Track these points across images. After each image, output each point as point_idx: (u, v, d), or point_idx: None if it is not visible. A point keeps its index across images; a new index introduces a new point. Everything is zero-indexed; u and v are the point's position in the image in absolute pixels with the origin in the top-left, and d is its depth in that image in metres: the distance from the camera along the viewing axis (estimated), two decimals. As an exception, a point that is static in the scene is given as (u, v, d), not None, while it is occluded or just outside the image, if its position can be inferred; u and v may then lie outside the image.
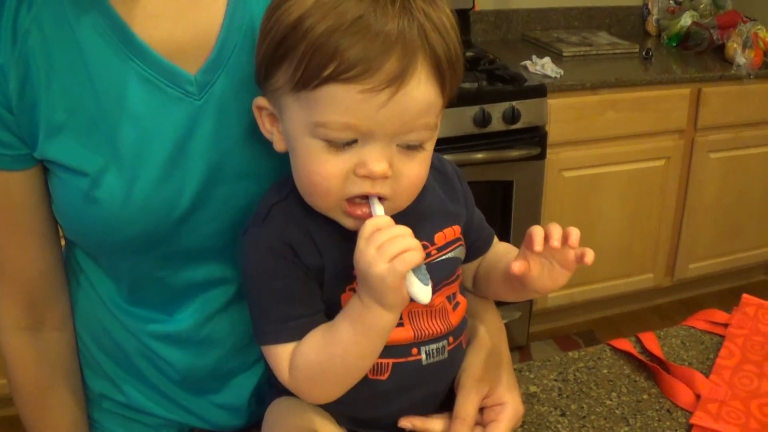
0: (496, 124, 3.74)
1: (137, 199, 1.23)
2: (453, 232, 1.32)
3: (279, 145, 1.19)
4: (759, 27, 4.46)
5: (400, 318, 1.21)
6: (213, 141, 1.26)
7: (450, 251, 1.30)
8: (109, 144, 1.21)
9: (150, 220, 1.25)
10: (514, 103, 3.75)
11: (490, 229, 1.46)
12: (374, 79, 1.03)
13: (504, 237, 3.96)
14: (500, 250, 1.46)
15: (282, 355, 1.19)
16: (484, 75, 3.83)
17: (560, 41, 4.63)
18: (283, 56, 1.08)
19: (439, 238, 1.29)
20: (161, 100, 1.23)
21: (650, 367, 1.68)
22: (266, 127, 1.19)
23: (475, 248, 1.43)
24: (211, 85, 1.25)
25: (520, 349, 4.40)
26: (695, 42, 4.68)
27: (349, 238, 1.13)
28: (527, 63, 4.14)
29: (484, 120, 3.68)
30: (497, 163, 3.82)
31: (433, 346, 1.28)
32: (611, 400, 1.60)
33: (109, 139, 1.21)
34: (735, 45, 4.41)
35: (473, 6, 4.46)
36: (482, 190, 3.91)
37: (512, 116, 3.75)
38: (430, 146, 1.16)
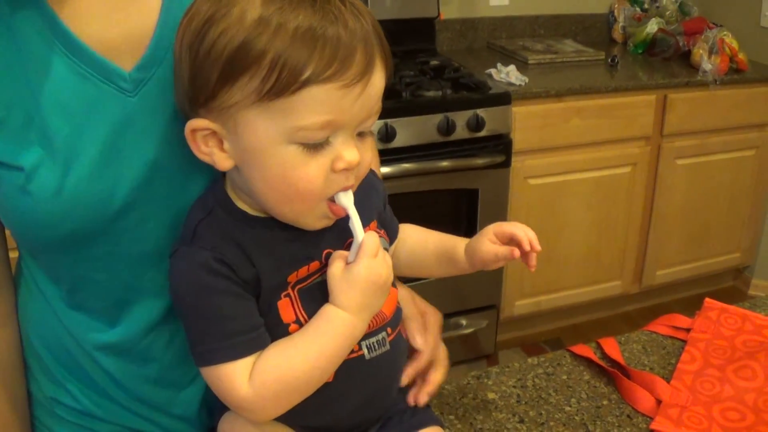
0: (461, 132, 3.74)
1: (69, 194, 1.20)
2: (373, 225, 1.34)
3: (223, 164, 1.16)
4: (725, 33, 4.49)
5: None
6: (148, 138, 1.24)
7: None
8: (44, 138, 1.19)
9: (83, 216, 1.22)
10: (478, 110, 3.75)
11: (397, 221, 1.50)
12: (349, 74, 1.07)
13: None
14: (413, 233, 1.51)
15: (233, 374, 1.15)
16: (448, 83, 3.83)
17: (525, 49, 4.63)
18: (237, 73, 1.07)
19: (372, 226, 1.33)
20: (95, 95, 1.21)
21: (610, 373, 1.66)
22: (202, 149, 1.16)
23: (388, 234, 1.44)
24: (145, 82, 1.23)
25: (487, 357, 4.39)
26: (661, 48, 4.69)
27: (280, 245, 1.18)
28: (492, 71, 4.13)
29: (448, 128, 3.68)
30: (462, 171, 3.82)
31: (373, 340, 1.27)
32: (570, 406, 1.58)
33: (44, 134, 1.19)
34: (701, 51, 4.42)
35: (438, 14, 4.46)
36: (447, 199, 3.92)
37: (477, 124, 3.75)
38: (371, 139, 1.26)
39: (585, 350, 1.73)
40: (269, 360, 1.15)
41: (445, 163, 3.73)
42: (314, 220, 1.17)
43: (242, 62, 1.06)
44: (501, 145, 3.88)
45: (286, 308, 1.19)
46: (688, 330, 1.82)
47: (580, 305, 4.72)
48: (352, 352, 1.23)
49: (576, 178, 4.28)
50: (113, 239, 1.26)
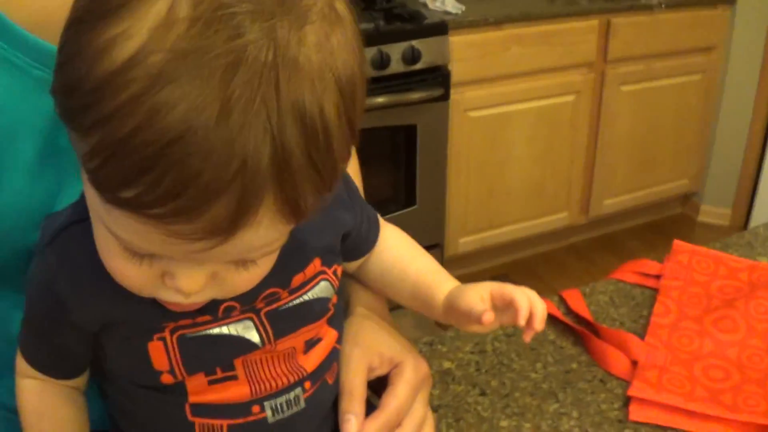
0: (396, 66, 3.67)
1: (4, 212, 1.01)
2: (313, 267, 1.07)
3: None
4: (668, -47, 4.43)
5: (233, 368, 1.00)
6: None
7: (306, 291, 1.06)
8: None
9: (23, 233, 1.03)
10: (413, 42, 3.68)
11: (377, 222, 1.22)
12: (187, 227, 0.71)
13: (409, 184, 4.01)
14: (394, 252, 1.24)
15: (20, 365, 1.04)
16: (380, 14, 3.75)
17: (460, -25, 4.47)
18: (74, 123, 0.73)
19: (298, 279, 1.04)
20: (25, 84, 0.98)
21: (578, 331, 1.51)
22: None
23: (359, 248, 1.22)
24: None
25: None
26: (602, -29, 4.59)
27: None
28: (426, 0, 4.00)
29: (382, 62, 3.61)
30: (398, 107, 3.75)
31: (281, 400, 1.04)
32: (536, 372, 1.43)
33: None
34: (644, -27, 4.37)
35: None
36: (384, 136, 3.86)
37: (412, 56, 3.68)
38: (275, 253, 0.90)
39: (547, 305, 1.56)
40: (29, 397, 1.05)
41: (380, 99, 3.65)
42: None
43: (73, 116, 0.72)
44: (439, 77, 3.82)
45: (159, 354, 0.95)
46: (657, 277, 1.67)
47: (526, 239, 4.69)
48: (250, 414, 1.02)
49: (518, 108, 4.22)
50: None
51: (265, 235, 0.75)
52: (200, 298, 0.86)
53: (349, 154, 0.77)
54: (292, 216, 0.74)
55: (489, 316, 1.01)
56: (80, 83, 0.69)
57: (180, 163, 0.66)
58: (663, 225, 5.05)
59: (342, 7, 0.74)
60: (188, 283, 0.81)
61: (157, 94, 0.65)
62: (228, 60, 0.65)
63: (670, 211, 5.24)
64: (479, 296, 1.04)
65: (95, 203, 0.77)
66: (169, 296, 0.84)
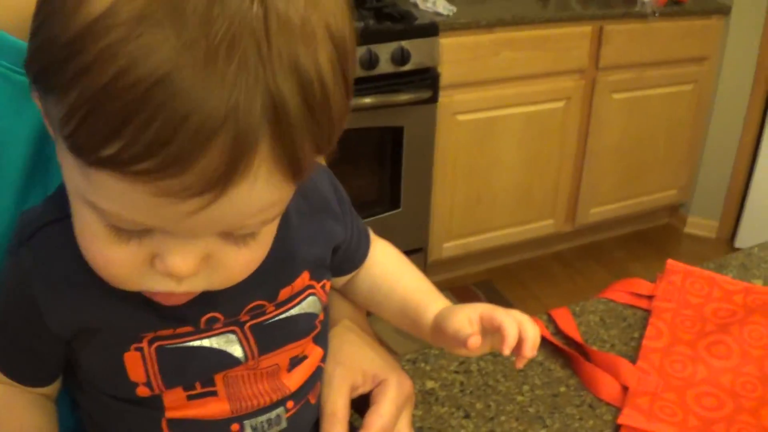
0: (385, 66, 3.65)
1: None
2: (302, 281, 1.02)
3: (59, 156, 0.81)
4: (664, -38, 4.44)
5: (213, 384, 0.95)
6: None
7: (293, 306, 1.01)
8: None
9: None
10: (403, 43, 3.66)
11: (368, 237, 1.19)
12: (176, 182, 0.66)
13: (394, 187, 3.99)
14: (384, 269, 1.20)
15: None
16: (370, 13, 3.74)
17: (452, -24, 4.45)
18: (51, 84, 0.69)
19: (285, 293, 1.00)
20: (9, 92, 0.92)
21: (567, 353, 1.47)
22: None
23: (349, 263, 1.18)
24: None
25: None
26: (596, -22, 4.61)
27: (138, 295, 0.85)
28: (417, 0, 3.99)
29: (371, 62, 3.59)
30: (386, 108, 3.74)
31: (262, 419, 1.00)
32: (523, 395, 1.39)
33: None
34: (640, -19, 4.38)
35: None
36: (370, 137, 3.83)
37: (401, 57, 3.66)
38: (273, 225, 0.84)
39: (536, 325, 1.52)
40: None
41: (367, 100, 3.62)
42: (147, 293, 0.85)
43: (51, 77, 0.68)
44: (428, 79, 3.80)
45: (135, 364, 0.91)
46: (650, 297, 1.63)
47: (511, 245, 4.68)
48: None
49: (507, 113, 4.21)
50: None
51: (262, 194, 0.71)
52: (193, 286, 0.81)
53: (347, 109, 0.74)
54: (290, 170, 0.70)
55: (475, 341, 0.98)
56: (58, 37, 0.66)
57: (166, 106, 0.62)
58: (649, 235, 5.06)
59: None
60: (180, 262, 0.75)
61: (140, 38, 0.62)
62: (212, 3, 0.63)
63: (657, 221, 5.25)
64: (467, 318, 1.01)
65: (75, 179, 0.73)
66: (158, 284, 0.79)
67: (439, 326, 1.05)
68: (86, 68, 0.63)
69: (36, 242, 0.89)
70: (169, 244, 0.74)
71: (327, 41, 0.69)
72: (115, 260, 0.76)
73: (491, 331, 0.99)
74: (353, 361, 1.14)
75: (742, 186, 4.90)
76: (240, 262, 0.81)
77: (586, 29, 4.18)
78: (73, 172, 0.72)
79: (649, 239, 4.98)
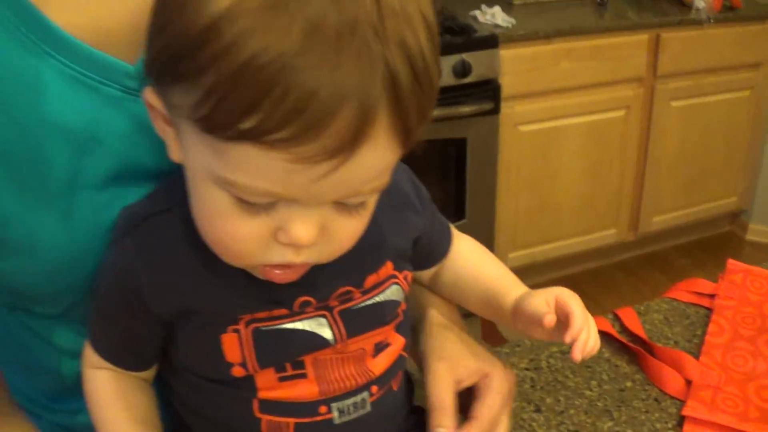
0: (447, 79, 3.60)
1: (79, 240, 1.00)
2: (386, 270, 1.08)
3: (174, 154, 0.90)
4: (718, -31, 4.37)
5: (303, 367, 1.01)
6: (161, 149, 0.95)
7: (378, 293, 1.07)
8: (35, 174, 0.95)
9: (88, 264, 1.03)
10: (464, 55, 3.63)
11: (450, 231, 1.25)
12: (311, 147, 0.74)
13: (459, 198, 3.95)
14: (467, 260, 1.26)
15: (87, 353, 1.06)
16: None
17: (510, -11, 4.46)
18: (183, 73, 0.77)
19: (371, 280, 1.06)
20: (95, 102, 0.97)
21: (632, 350, 1.51)
22: (159, 125, 0.90)
23: (432, 256, 1.24)
24: None
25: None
26: (652, -14, 4.57)
27: (238, 278, 0.95)
28: (476, 13, 4.00)
29: None
30: (449, 120, 3.71)
31: (348, 402, 1.05)
32: (591, 390, 1.44)
33: (33, 167, 0.95)
34: (694, -12, 4.32)
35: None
36: (434, 149, 3.81)
37: (463, 70, 3.64)
38: (375, 198, 0.92)
39: (603, 323, 1.57)
40: (104, 385, 1.06)
41: None
42: (258, 273, 0.93)
43: (183, 67, 0.76)
44: (489, 91, 3.78)
45: (232, 345, 0.97)
46: (711, 296, 1.67)
47: (575, 255, 4.65)
48: (317, 414, 1.03)
49: (568, 123, 4.18)
50: None
51: (380, 157, 0.80)
52: (309, 257, 0.88)
53: (439, 80, 0.83)
54: (402, 135, 0.80)
55: (550, 319, 1.01)
56: (189, 30, 0.75)
57: (299, 80, 0.71)
58: (712, 243, 4.99)
59: None
60: (302, 231, 0.83)
61: (271, 22, 0.71)
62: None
63: (719, 228, 5.18)
64: (545, 300, 1.05)
65: (205, 159, 0.81)
66: (279, 256, 0.87)
67: (518, 309, 1.09)
68: (223, 52, 0.72)
69: (140, 232, 0.96)
70: (293, 215, 0.82)
71: (422, 23, 0.79)
72: (242, 235, 0.84)
73: (562, 317, 1.03)
74: (456, 357, 1.18)
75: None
76: (348, 232, 0.89)
77: (642, 37, 4.15)
78: (202, 153, 0.80)
79: (712, 247, 4.93)
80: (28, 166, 0.94)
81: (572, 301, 1.03)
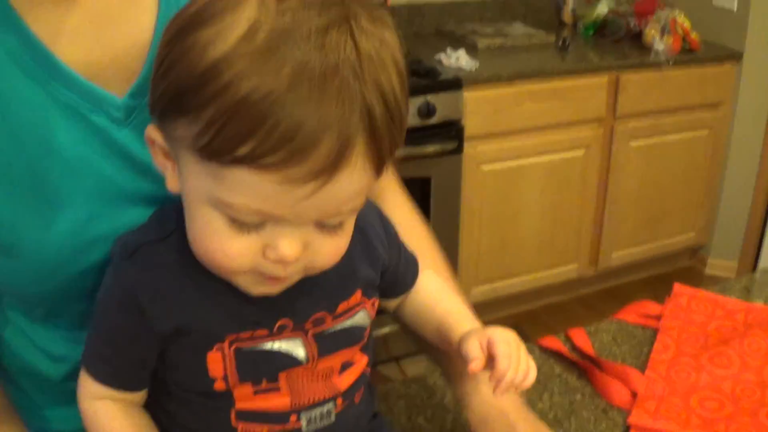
0: (412, 120, 3.67)
1: (62, 250, 1.10)
2: (356, 297, 1.18)
3: (171, 185, 1.01)
4: (677, 13, 4.46)
5: (277, 381, 1.10)
6: (144, 174, 1.12)
7: (347, 318, 1.17)
8: (29, 186, 1.07)
9: (72, 269, 1.13)
10: (428, 97, 3.71)
11: (416, 265, 1.33)
12: (298, 169, 0.86)
13: None
14: (427, 291, 1.34)
15: (85, 383, 1.12)
16: None
17: (475, 33, 4.56)
18: (186, 108, 0.89)
19: (342, 306, 1.16)
20: (85, 128, 1.09)
21: (582, 366, 1.60)
22: (159, 159, 1.02)
23: (396, 287, 1.32)
24: (140, 109, 1.10)
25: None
26: (612, 30, 4.69)
27: (228, 300, 1.05)
28: (441, 56, 4.07)
29: None
30: (413, 159, 3.78)
31: (316, 412, 1.15)
32: (542, 402, 1.52)
33: (28, 181, 1.07)
34: (653, 32, 4.41)
35: (386, 1, 4.37)
36: None
37: (427, 111, 3.71)
38: (353, 218, 1.03)
39: (554, 343, 1.66)
40: (113, 418, 1.11)
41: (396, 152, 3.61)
42: (248, 285, 1.02)
43: (187, 101, 0.88)
44: (453, 131, 3.85)
45: (216, 363, 1.06)
46: (658, 317, 1.76)
47: (537, 290, 4.69)
48: (287, 422, 1.13)
49: (529, 162, 4.25)
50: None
51: (357, 181, 0.91)
52: (293, 271, 1.00)
53: (407, 115, 0.96)
54: (377, 162, 0.92)
55: (476, 365, 1.09)
56: (192, 71, 0.87)
57: (290, 112, 0.83)
58: (671, 277, 4.83)
59: (379, 13, 0.95)
60: (288, 248, 0.94)
61: (265, 64, 0.84)
62: (319, 40, 0.86)
63: (678, 263, 5.23)
64: (478, 342, 1.11)
65: (202, 183, 0.93)
66: (266, 270, 0.98)
67: (459, 346, 1.15)
68: (222, 89, 0.84)
69: (138, 257, 1.05)
70: (280, 233, 0.93)
71: (394, 67, 0.91)
72: (235, 252, 0.95)
73: (486, 353, 1.10)
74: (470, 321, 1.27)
75: (759, 227, 4.88)
76: (330, 249, 1.01)
77: (602, 79, 4.25)
78: (201, 179, 0.92)
79: (672, 281, 4.74)
80: (24, 179, 1.06)
81: (501, 345, 1.10)
